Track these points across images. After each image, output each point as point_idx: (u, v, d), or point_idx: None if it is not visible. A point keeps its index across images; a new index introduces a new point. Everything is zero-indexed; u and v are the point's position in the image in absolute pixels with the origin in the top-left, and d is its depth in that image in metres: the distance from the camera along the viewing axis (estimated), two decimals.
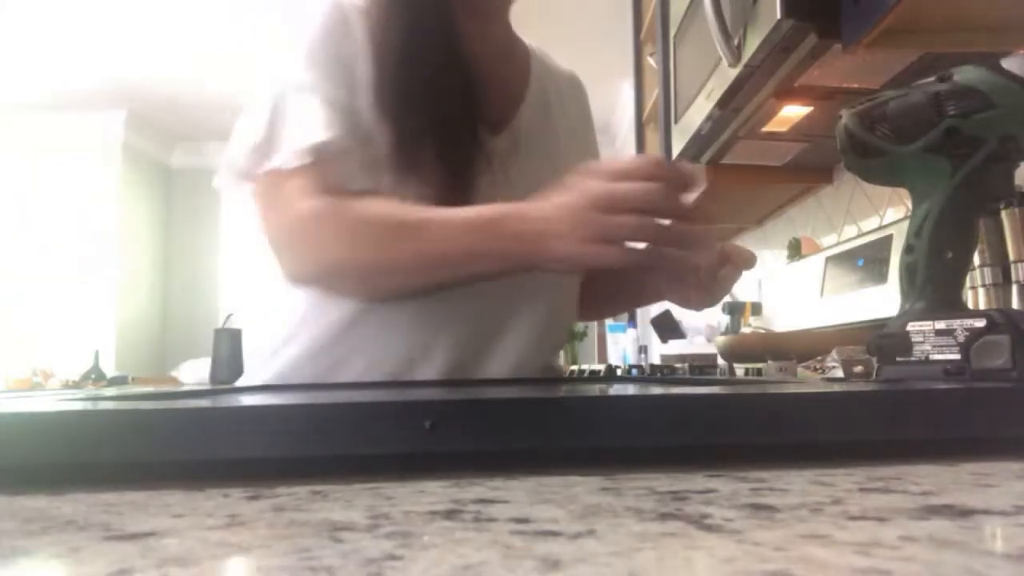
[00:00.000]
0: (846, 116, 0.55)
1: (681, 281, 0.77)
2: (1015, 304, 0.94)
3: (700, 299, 0.79)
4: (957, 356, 0.48)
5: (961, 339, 0.48)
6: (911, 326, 0.51)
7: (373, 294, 0.74)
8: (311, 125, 0.69)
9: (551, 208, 0.59)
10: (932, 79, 0.52)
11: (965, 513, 0.20)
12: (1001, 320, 0.47)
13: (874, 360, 0.55)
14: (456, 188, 0.72)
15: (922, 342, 0.50)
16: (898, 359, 0.52)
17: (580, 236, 0.56)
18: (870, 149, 0.54)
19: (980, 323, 0.48)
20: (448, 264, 0.65)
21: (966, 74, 0.50)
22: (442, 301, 0.75)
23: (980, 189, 0.51)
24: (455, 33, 0.75)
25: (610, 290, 0.97)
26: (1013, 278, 0.94)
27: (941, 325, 0.49)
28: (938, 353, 0.49)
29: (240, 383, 0.89)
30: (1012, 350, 0.46)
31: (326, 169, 0.69)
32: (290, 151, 0.69)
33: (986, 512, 0.21)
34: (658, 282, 0.80)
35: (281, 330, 0.81)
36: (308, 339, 0.78)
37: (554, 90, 0.89)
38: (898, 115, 0.52)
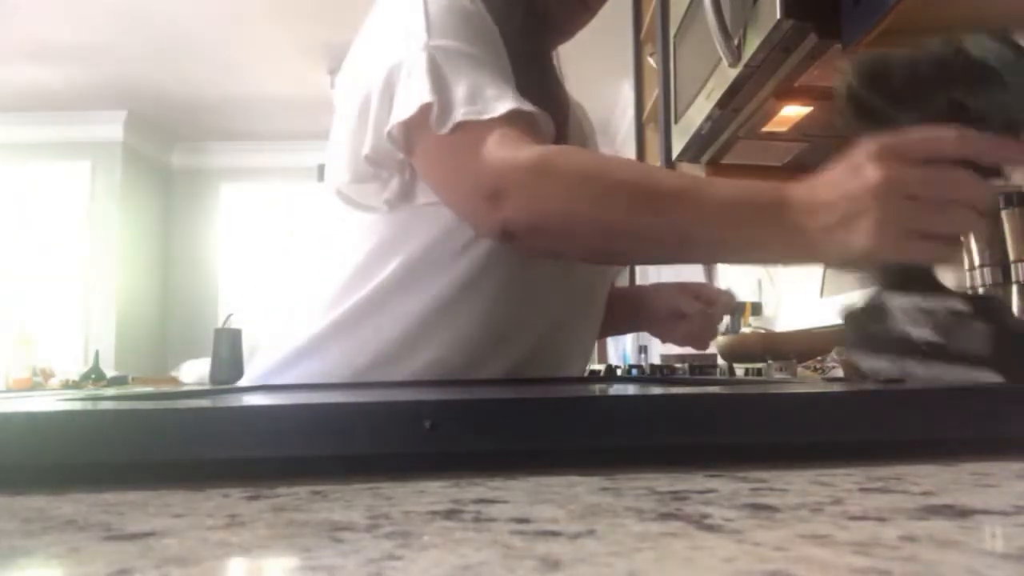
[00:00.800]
0: (849, 70, 0.51)
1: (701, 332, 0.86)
2: (1015, 304, 0.94)
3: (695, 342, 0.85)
4: (934, 336, 0.46)
5: (942, 320, 0.46)
6: (892, 300, 0.49)
7: (596, 256, 0.68)
8: (490, 79, 0.65)
9: (844, 195, 0.49)
10: (941, 41, 0.48)
11: (965, 513, 0.20)
12: (985, 308, 0.46)
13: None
14: None
15: (901, 317, 0.48)
16: (871, 330, 0.49)
17: (892, 231, 0.47)
18: (868, 111, 0.50)
19: (964, 307, 0.46)
20: (708, 245, 0.58)
21: (979, 45, 0.47)
22: (512, 306, 0.75)
23: (974, 169, 0.48)
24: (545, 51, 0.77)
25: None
26: (1013, 278, 0.94)
27: (924, 303, 0.47)
28: (915, 329, 0.47)
29: (267, 370, 0.83)
30: (992, 339, 0.45)
31: (529, 120, 0.64)
32: (488, 102, 0.63)
33: (986, 512, 0.21)
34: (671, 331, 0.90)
35: (342, 315, 0.75)
36: (373, 328, 0.73)
37: (582, 115, 0.92)
38: (902, 79, 0.49)
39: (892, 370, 0.48)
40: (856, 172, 0.49)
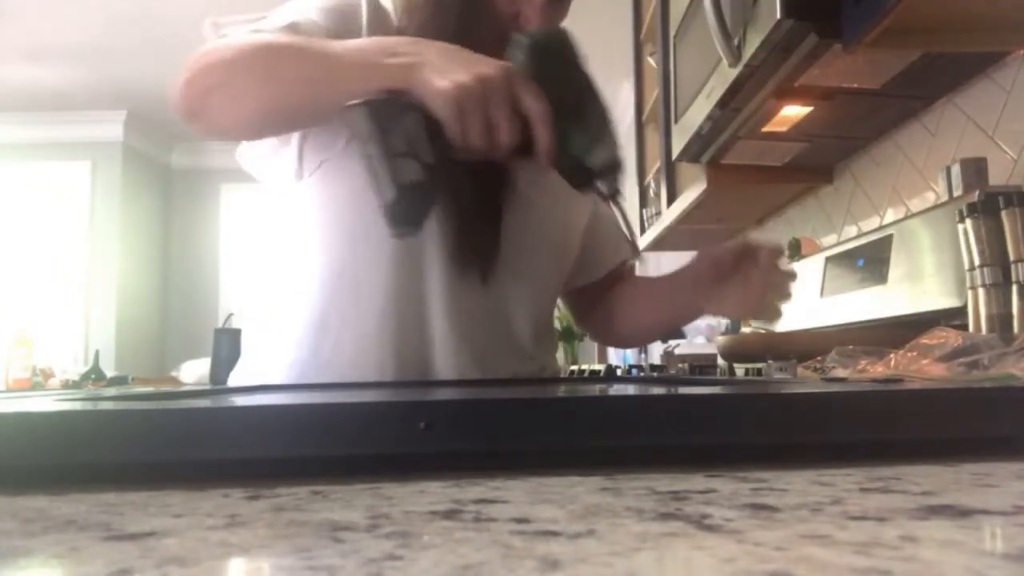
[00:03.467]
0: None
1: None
2: (1015, 304, 0.94)
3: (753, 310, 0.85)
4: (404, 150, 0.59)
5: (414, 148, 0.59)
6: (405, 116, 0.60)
7: (255, 121, 0.73)
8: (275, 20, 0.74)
9: (446, 55, 0.61)
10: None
11: (965, 513, 0.20)
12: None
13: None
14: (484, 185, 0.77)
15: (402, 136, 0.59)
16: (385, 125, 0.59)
17: (453, 95, 0.57)
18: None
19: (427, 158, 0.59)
20: (327, 72, 0.65)
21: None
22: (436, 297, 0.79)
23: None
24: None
25: (653, 305, 0.99)
26: (1013, 278, 0.94)
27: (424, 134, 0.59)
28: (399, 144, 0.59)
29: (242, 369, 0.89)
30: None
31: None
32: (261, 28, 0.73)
33: (986, 512, 0.21)
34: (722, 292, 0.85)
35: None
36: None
37: None
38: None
39: (361, 131, 0.59)
40: (478, 59, 0.60)
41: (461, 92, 0.58)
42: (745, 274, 0.84)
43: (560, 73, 0.63)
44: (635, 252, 0.99)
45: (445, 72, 0.58)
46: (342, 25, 0.77)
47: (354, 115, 0.60)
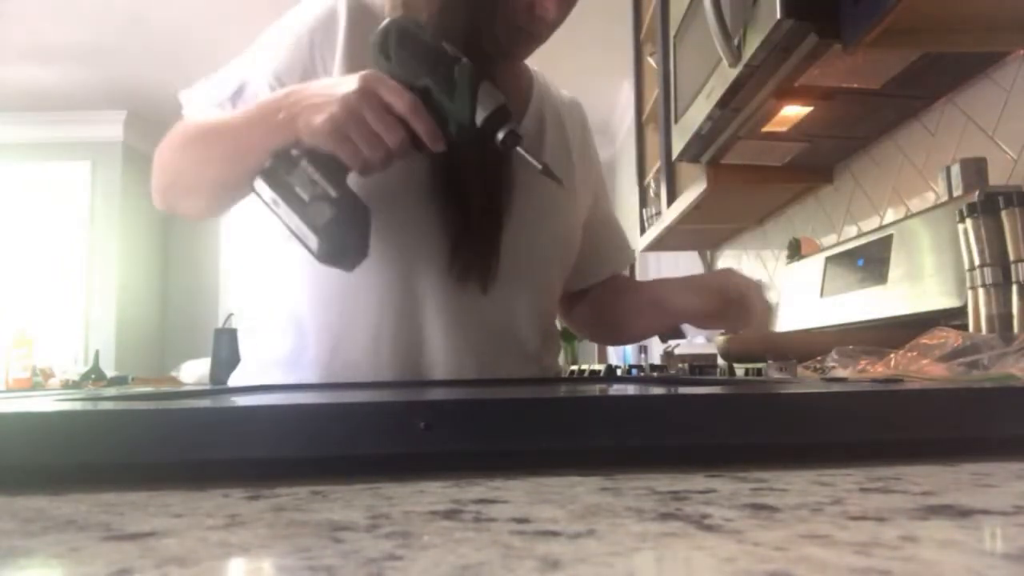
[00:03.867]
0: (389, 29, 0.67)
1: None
2: (1015, 304, 0.94)
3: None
4: (304, 194, 0.63)
5: (313, 191, 0.63)
6: (304, 164, 0.64)
7: (196, 209, 0.81)
8: (216, 84, 0.80)
9: (328, 94, 0.64)
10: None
11: (965, 513, 0.20)
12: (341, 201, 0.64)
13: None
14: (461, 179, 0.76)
15: (301, 178, 0.64)
16: (282, 178, 0.64)
17: (332, 125, 0.62)
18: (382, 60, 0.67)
19: (331, 193, 0.63)
20: (235, 146, 0.70)
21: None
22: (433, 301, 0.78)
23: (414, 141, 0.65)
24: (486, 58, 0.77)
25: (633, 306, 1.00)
26: (1013, 278, 0.94)
27: (315, 176, 0.64)
28: (300, 189, 0.64)
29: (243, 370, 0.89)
30: (321, 218, 0.63)
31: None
32: (190, 102, 0.82)
33: (986, 512, 0.21)
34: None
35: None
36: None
37: (552, 113, 0.92)
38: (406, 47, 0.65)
39: (267, 198, 0.64)
40: (344, 83, 0.63)
41: (334, 121, 0.62)
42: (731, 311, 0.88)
43: (411, 54, 0.65)
44: (629, 261, 1.01)
45: (318, 109, 0.63)
46: (322, 38, 0.77)
47: (256, 188, 0.65)
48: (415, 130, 0.63)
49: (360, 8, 0.79)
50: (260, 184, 0.65)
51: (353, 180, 0.68)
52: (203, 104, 0.80)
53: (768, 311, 0.90)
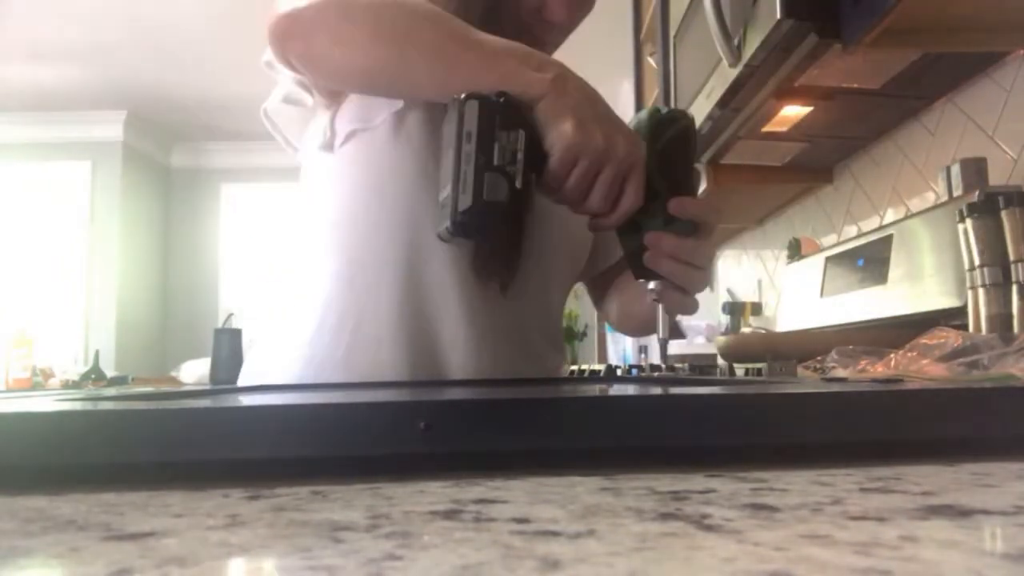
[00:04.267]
0: None
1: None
2: (1015, 304, 0.94)
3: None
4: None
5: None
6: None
7: (369, 76, 0.66)
8: None
9: (586, 98, 0.58)
10: None
11: (965, 513, 0.20)
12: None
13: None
14: None
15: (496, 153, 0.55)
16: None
17: (586, 139, 0.56)
18: None
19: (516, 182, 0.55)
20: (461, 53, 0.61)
21: None
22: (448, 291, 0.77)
23: None
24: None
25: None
26: (1013, 278, 0.94)
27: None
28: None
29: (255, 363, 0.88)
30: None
31: None
32: None
33: (986, 512, 0.21)
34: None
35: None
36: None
37: None
38: None
39: (453, 126, 0.56)
40: (611, 119, 0.58)
41: (587, 147, 0.55)
42: None
43: (673, 160, 0.62)
44: None
45: (582, 118, 0.56)
46: None
47: (466, 108, 0.55)
48: (613, 212, 0.59)
49: None
50: (473, 108, 0.55)
51: (372, 173, 0.67)
52: None
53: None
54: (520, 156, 0.55)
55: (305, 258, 0.83)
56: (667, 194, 0.61)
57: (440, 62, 0.60)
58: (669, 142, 0.62)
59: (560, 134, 0.55)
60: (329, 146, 0.79)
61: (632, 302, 0.96)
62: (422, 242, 0.76)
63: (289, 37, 0.66)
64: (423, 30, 0.61)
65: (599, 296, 1.04)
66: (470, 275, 0.77)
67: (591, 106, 0.58)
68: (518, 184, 0.55)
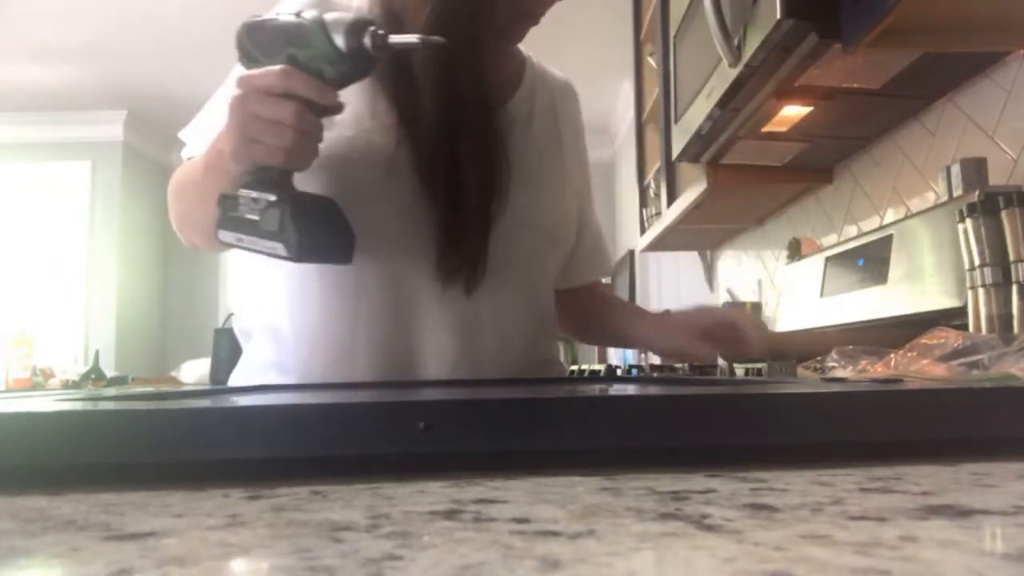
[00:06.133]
0: (241, 29, 0.68)
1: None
2: (1015, 304, 0.94)
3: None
4: (253, 216, 0.65)
5: (259, 206, 0.65)
6: (242, 192, 0.66)
7: (202, 239, 0.80)
8: (193, 128, 0.82)
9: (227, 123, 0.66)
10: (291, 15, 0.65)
11: (965, 513, 0.20)
12: (291, 200, 0.65)
13: None
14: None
15: (243, 204, 0.66)
16: (229, 213, 0.66)
17: (238, 137, 0.64)
18: (250, 57, 0.68)
19: (274, 198, 0.64)
20: (202, 193, 0.72)
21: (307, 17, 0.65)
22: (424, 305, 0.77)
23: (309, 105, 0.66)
24: (480, 43, 0.76)
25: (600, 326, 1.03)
26: (1013, 278, 0.94)
27: (253, 195, 0.65)
28: (248, 213, 0.65)
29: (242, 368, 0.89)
30: (280, 219, 0.64)
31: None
32: (187, 143, 0.84)
33: (986, 512, 0.21)
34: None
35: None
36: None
37: (544, 96, 0.91)
38: (263, 38, 0.67)
39: (232, 240, 0.66)
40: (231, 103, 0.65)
41: (235, 133, 0.64)
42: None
43: (266, 40, 0.67)
44: (606, 270, 1.03)
45: (224, 137, 0.66)
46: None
47: (220, 239, 0.67)
48: (301, 95, 0.63)
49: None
50: (221, 233, 0.67)
51: (325, 187, 0.71)
52: (197, 142, 0.81)
53: (763, 335, 0.91)
54: (254, 195, 0.66)
55: (257, 282, 0.85)
56: (300, 49, 0.66)
57: (208, 204, 0.70)
58: (248, 43, 0.69)
59: (234, 154, 0.66)
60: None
61: (595, 323, 0.99)
62: (381, 253, 0.76)
63: (192, 247, 0.85)
64: (188, 196, 0.78)
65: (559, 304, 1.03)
66: (435, 282, 0.76)
67: (228, 121, 0.66)
68: (273, 197, 0.65)
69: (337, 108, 0.66)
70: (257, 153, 0.63)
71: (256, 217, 0.65)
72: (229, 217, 0.66)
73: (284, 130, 0.62)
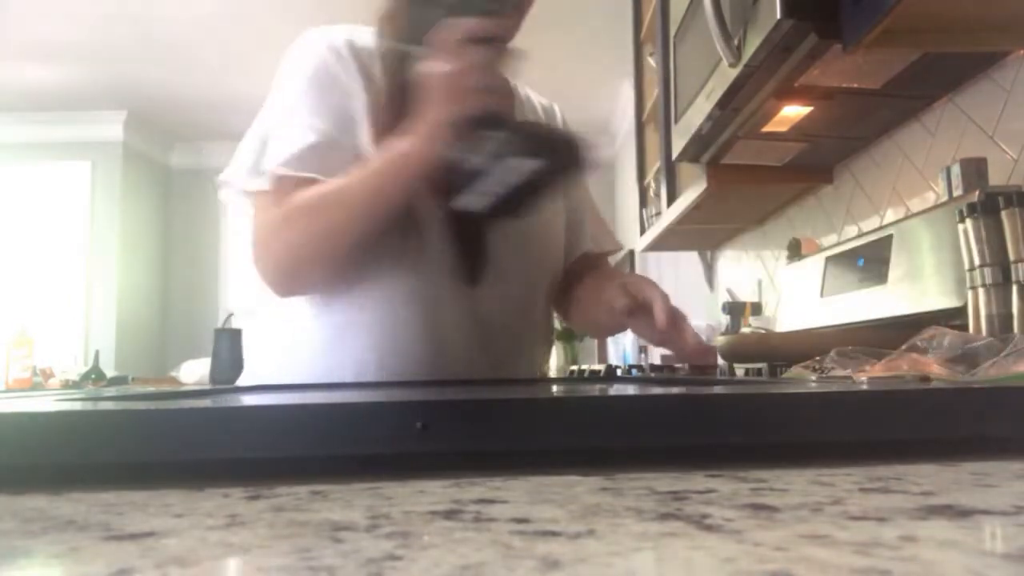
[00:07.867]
0: None
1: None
2: (1015, 304, 0.94)
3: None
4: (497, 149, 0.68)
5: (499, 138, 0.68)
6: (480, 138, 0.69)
7: (332, 267, 0.77)
8: (285, 152, 0.77)
9: (423, 117, 0.69)
10: None
11: (965, 513, 0.20)
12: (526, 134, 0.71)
13: None
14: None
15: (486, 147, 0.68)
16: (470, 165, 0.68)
17: (448, 101, 0.67)
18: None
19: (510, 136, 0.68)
20: (369, 210, 0.73)
21: None
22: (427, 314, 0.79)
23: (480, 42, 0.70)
24: None
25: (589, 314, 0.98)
26: (1013, 278, 0.94)
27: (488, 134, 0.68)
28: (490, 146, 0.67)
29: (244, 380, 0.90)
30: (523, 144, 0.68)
31: (290, 186, 0.76)
32: (265, 175, 0.79)
33: (986, 512, 0.21)
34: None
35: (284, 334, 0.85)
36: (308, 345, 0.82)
37: (531, 116, 0.93)
38: None
39: (471, 202, 0.68)
40: (426, 93, 0.68)
41: (458, 92, 0.67)
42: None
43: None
44: (612, 244, 1.00)
45: (440, 102, 0.68)
46: (336, 72, 0.79)
47: (460, 205, 0.69)
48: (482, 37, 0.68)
49: (353, 49, 0.81)
50: (461, 200, 0.68)
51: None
52: (243, 178, 0.81)
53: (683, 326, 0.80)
54: (492, 147, 0.68)
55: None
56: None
57: (379, 198, 0.72)
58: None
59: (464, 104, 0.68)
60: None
61: (590, 308, 0.94)
62: (411, 249, 0.78)
63: (282, 287, 0.79)
64: (341, 208, 0.73)
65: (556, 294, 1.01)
66: (441, 275, 0.79)
67: (433, 101, 0.69)
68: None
69: (507, 35, 0.72)
70: (476, 102, 0.67)
71: (501, 150, 0.67)
72: (466, 175, 0.67)
73: (484, 73, 0.68)
